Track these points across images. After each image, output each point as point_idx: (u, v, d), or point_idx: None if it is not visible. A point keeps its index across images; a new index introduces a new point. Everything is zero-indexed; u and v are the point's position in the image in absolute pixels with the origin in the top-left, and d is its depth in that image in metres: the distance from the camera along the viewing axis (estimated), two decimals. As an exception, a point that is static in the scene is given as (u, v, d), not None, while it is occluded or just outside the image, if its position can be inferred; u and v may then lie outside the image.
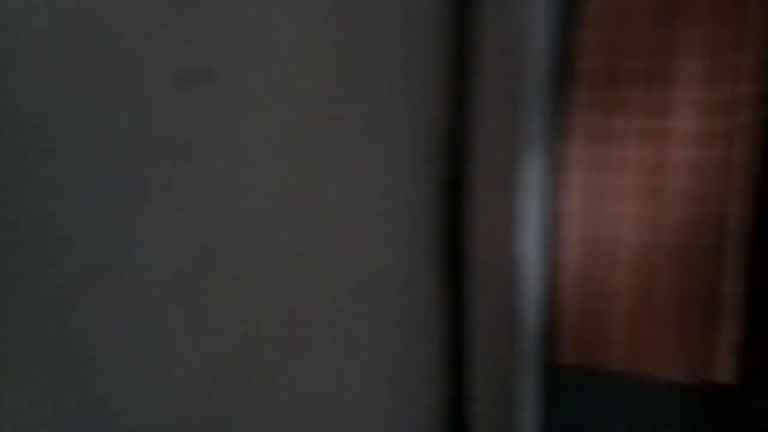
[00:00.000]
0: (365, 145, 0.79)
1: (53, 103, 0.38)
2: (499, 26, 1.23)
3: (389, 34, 0.84)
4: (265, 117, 0.57)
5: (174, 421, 0.49)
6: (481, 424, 1.41)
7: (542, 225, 1.97)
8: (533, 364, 2.04)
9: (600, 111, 1.90)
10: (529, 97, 1.81)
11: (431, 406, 1.09)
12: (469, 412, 1.13)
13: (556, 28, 1.85)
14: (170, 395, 0.50)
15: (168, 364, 0.51)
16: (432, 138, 0.96)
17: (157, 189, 0.49)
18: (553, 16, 1.81)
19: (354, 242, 0.80)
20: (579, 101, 1.92)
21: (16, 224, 0.39)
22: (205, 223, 0.55)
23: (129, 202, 0.46)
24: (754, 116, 1.76)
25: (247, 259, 0.60)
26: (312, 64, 0.64)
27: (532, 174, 1.92)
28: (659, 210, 1.89)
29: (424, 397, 1.07)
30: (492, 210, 1.65)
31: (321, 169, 0.70)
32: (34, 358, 0.41)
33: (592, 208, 1.96)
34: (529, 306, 1.98)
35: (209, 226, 0.55)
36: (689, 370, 1.92)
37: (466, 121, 1.03)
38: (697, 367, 1.91)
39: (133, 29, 0.41)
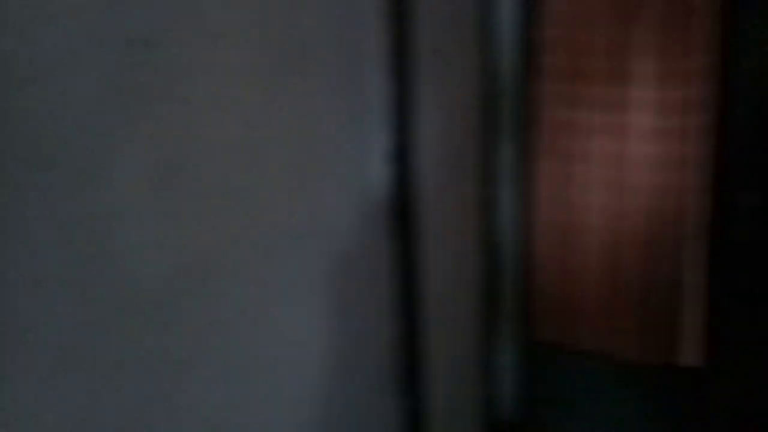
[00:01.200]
0: (306, 107, 0.99)
1: (46, 58, 0.61)
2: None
3: (326, 9, 1.03)
4: (204, 77, 0.79)
5: (155, 286, 0.74)
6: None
7: (515, 210, 2.11)
8: (511, 339, 2.17)
9: (563, 105, 2.00)
10: (497, 91, 1.96)
11: (385, 344, 1.25)
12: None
13: (521, 25, 1.95)
14: (150, 267, 0.74)
15: (148, 245, 0.74)
16: (381, 112, 1.15)
17: (126, 123, 0.71)
18: (517, 13, 1.93)
19: (300, 188, 0.98)
20: (543, 96, 2.02)
21: (37, 135, 0.61)
22: (166, 151, 0.76)
23: (105, 131, 0.69)
24: (706, 116, 1.86)
25: (203, 182, 0.82)
26: (246, 35, 0.83)
27: (504, 161, 2.07)
28: (622, 200, 1.98)
29: (377, 335, 1.22)
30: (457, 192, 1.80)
31: (262, 125, 0.90)
32: (52, 229, 0.62)
33: (559, 196, 2.06)
34: (505, 279, 2.09)
35: (170, 153, 0.77)
36: (653, 353, 2.00)
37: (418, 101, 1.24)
38: (660, 350, 1.99)
39: (91, 4, 0.63)
